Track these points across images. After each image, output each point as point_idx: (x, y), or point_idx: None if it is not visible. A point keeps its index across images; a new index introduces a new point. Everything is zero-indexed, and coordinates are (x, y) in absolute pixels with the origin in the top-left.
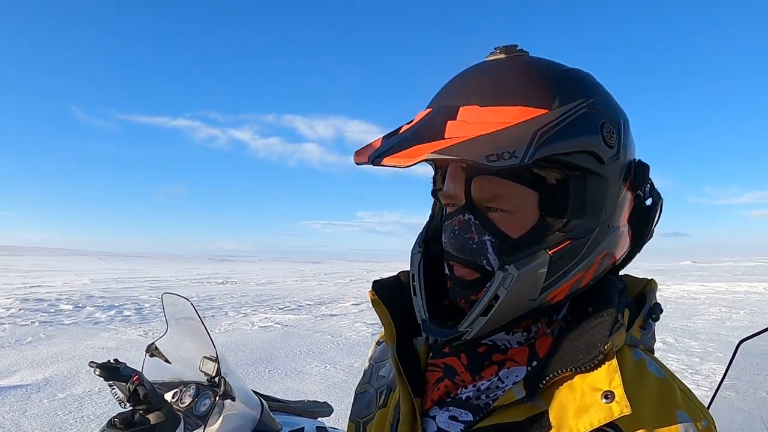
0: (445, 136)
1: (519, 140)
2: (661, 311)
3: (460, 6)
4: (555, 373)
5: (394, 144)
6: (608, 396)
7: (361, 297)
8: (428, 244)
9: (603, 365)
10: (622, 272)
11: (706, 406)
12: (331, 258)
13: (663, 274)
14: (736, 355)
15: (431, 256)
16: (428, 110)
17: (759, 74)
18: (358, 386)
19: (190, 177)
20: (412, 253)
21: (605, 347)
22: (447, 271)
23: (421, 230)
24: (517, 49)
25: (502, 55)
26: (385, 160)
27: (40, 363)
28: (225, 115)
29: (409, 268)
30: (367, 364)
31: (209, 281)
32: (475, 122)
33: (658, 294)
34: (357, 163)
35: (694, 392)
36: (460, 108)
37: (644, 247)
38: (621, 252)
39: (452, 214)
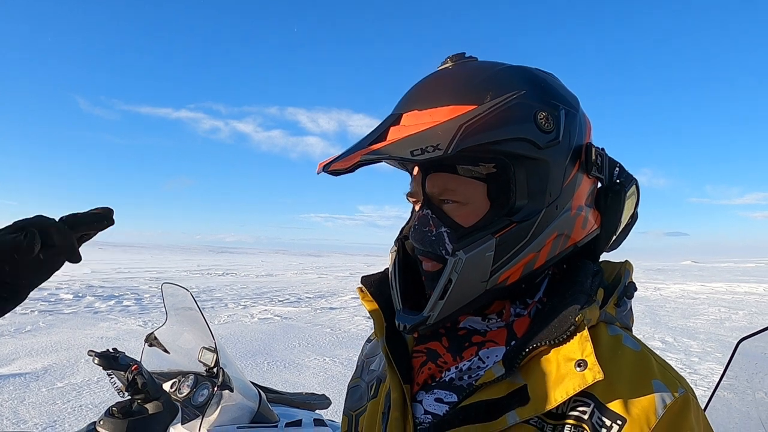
0: (386, 139)
1: (444, 134)
2: (635, 289)
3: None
4: (531, 347)
5: (342, 152)
6: (581, 364)
7: None
8: (405, 242)
9: (575, 336)
10: (602, 258)
11: (704, 406)
12: (331, 251)
13: (663, 273)
14: (735, 354)
15: (410, 253)
16: (387, 116)
17: (763, 75)
18: (350, 381)
19: (193, 169)
20: (390, 251)
21: (576, 319)
22: (421, 268)
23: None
24: (466, 56)
25: (450, 64)
26: (331, 168)
27: (39, 352)
28: (228, 107)
29: (390, 265)
30: (359, 361)
31: (209, 273)
32: (411, 125)
33: (659, 293)
34: (317, 173)
35: (698, 393)
36: (403, 114)
37: (644, 245)
38: (581, 234)
39: (416, 212)
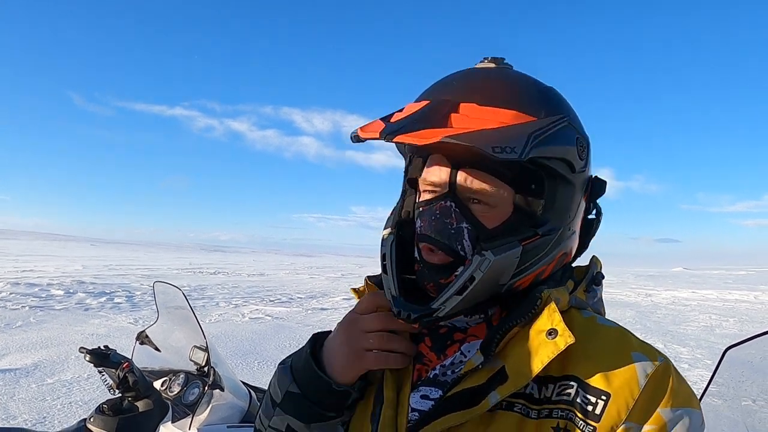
0: (452, 126)
1: (518, 138)
2: (603, 278)
3: (460, 4)
4: (504, 330)
5: (404, 125)
6: (552, 333)
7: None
8: (399, 227)
9: (544, 311)
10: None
11: None
12: (323, 252)
13: (654, 279)
14: (722, 362)
15: (401, 239)
16: (424, 102)
17: (756, 82)
18: None
19: (186, 166)
20: (383, 233)
21: (542, 294)
22: (417, 254)
23: (389, 214)
24: (504, 61)
25: (492, 65)
26: (400, 138)
27: (29, 348)
28: (223, 106)
29: (381, 248)
30: None
31: (201, 271)
32: (475, 118)
33: (650, 299)
34: (362, 139)
35: None
36: (461, 104)
37: (635, 251)
38: (573, 253)
39: (433, 200)
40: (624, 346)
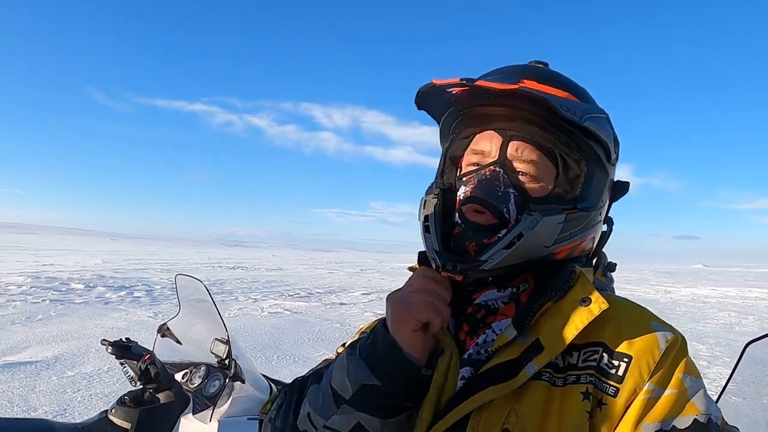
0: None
1: (578, 107)
2: (615, 265)
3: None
4: (538, 303)
5: (479, 78)
6: (585, 300)
7: (371, 287)
8: (444, 196)
9: (578, 284)
10: None
11: None
12: (342, 247)
13: (673, 276)
14: (743, 357)
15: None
16: (493, 77)
17: None
18: None
19: (206, 162)
20: (426, 198)
21: (576, 269)
22: (459, 218)
23: (430, 184)
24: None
25: (541, 65)
26: (481, 82)
27: (50, 340)
28: (243, 101)
29: (423, 212)
30: None
31: (220, 266)
32: (538, 88)
33: (669, 296)
34: (436, 86)
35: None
36: (523, 80)
37: (655, 248)
38: (595, 245)
39: (482, 167)
40: (644, 317)
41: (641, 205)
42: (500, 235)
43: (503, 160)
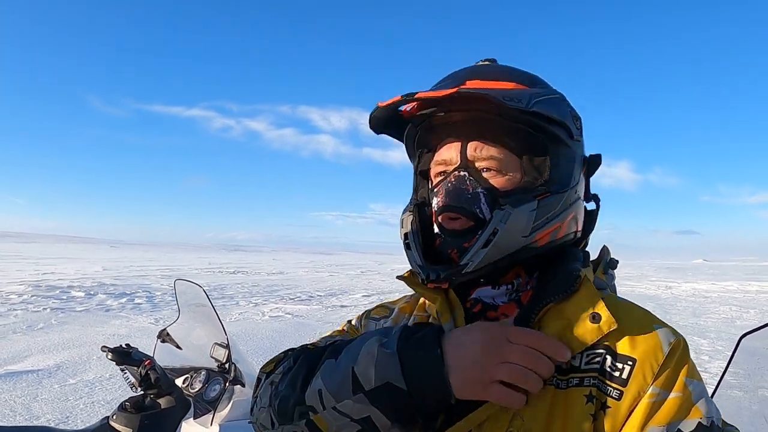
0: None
1: (522, 95)
2: (617, 262)
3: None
4: (541, 305)
5: (421, 90)
6: (595, 317)
7: (372, 289)
8: (419, 211)
9: (582, 290)
10: None
11: None
12: (342, 249)
13: (674, 271)
14: (739, 351)
15: (420, 221)
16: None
17: None
18: None
19: (204, 167)
20: (403, 217)
21: (581, 273)
22: (438, 229)
23: (407, 203)
24: (496, 61)
25: (488, 62)
26: (420, 94)
27: (51, 349)
28: (240, 106)
29: (402, 230)
30: None
31: (220, 270)
32: (482, 85)
33: (670, 291)
34: (381, 116)
35: None
36: (467, 81)
37: (655, 244)
38: (580, 226)
39: (447, 175)
40: (648, 320)
41: (640, 202)
42: (478, 235)
43: (465, 163)
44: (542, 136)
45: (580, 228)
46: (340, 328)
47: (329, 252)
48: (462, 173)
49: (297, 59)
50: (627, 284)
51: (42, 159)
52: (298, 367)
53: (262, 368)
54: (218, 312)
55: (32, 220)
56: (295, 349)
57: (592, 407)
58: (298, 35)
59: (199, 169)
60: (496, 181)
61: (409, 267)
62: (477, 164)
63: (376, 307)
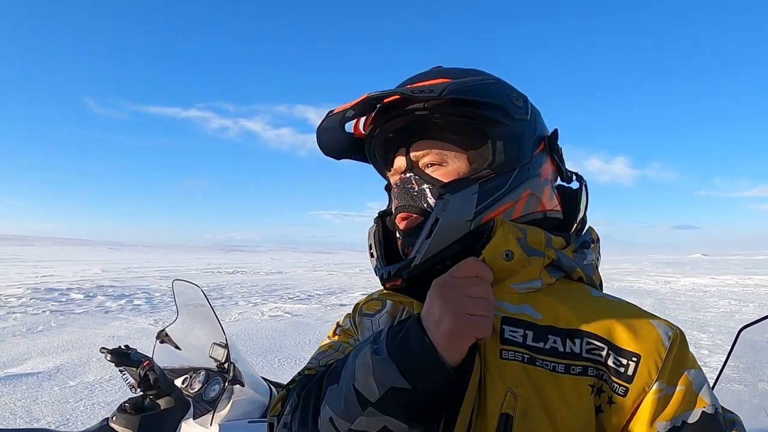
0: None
1: (436, 87)
2: (594, 242)
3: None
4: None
5: (337, 106)
6: (508, 254)
7: (371, 287)
8: (383, 221)
9: (497, 232)
10: None
11: None
12: (341, 248)
13: (673, 266)
14: (738, 344)
15: (385, 231)
16: None
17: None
18: None
19: (202, 167)
20: (369, 229)
21: (496, 220)
22: (398, 234)
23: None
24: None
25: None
26: (336, 109)
27: (51, 351)
28: (237, 106)
29: (367, 242)
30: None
31: (219, 271)
32: (402, 89)
33: (669, 286)
34: (322, 137)
35: None
36: (407, 86)
37: (653, 239)
38: (550, 204)
39: (397, 181)
40: (643, 315)
41: (638, 197)
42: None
43: (411, 165)
44: (478, 122)
45: (553, 207)
46: (330, 336)
47: (328, 251)
48: (407, 175)
49: (293, 59)
50: (627, 279)
51: (40, 162)
52: (303, 403)
53: (270, 412)
54: (217, 312)
55: (31, 223)
56: (295, 380)
57: (597, 400)
58: (294, 35)
59: (197, 170)
60: (440, 174)
61: None
62: (420, 163)
63: (367, 300)
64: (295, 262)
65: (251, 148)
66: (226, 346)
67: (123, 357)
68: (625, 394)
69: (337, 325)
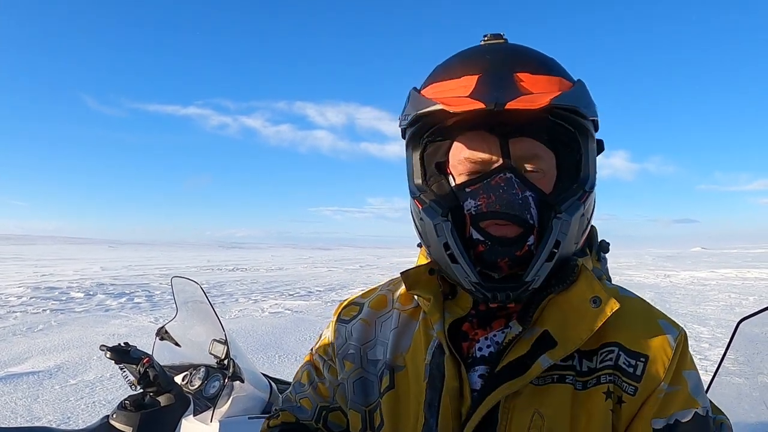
0: (531, 92)
1: (581, 98)
2: (608, 245)
3: None
4: (539, 299)
5: (500, 92)
6: (596, 301)
7: (371, 283)
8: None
9: (581, 278)
10: None
11: (706, 388)
12: (341, 244)
13: (673, 260)
14: (737, 337)
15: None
16: (476, 75)
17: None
18: (346, 372)
19: (201, 165)
20: (434, 224)
21: (578, 263)
22: (479, 235)
23: (428, 204)
24: (503, 36)
25: (502, 40)
26: (512, 104)
27: (51, 350)
28: (236, 103)
29: (435, 239)
30: (347, 348)
31: (219, 268)
32: (539, 84)
33: (669, 280)
34: (488, 105)
35: (702, 378)
36: (516, 74)
37: (653, 233)
38: None
39: (487, 176)
40: (651, 315)
41: (638, 191)
42: (529, 243)
43: (510, 163)
44: (575, 132)
45: None
46: (305, 362)
47: (328, 247)
48: (509, 175)
49: (291, 55)
50: (626, 273)
51: (39, 161)
52: None
53: None
54: (217, 309)
55: (31, 221)
56: (278, 415)
57: (611, 403)
58: (292, 31)
59: (197, 167)
60: (540, 182)
61: (409, 263)
62: (519, 163)
63: (347, 303)
64: (295, 259)
65: (251, 145)
66: (225, 343)
67: (123, 354)
68: (634, 393)
69: (311, 351)
